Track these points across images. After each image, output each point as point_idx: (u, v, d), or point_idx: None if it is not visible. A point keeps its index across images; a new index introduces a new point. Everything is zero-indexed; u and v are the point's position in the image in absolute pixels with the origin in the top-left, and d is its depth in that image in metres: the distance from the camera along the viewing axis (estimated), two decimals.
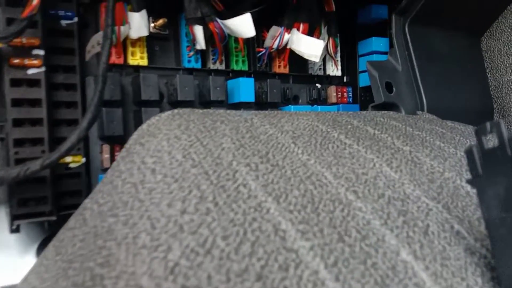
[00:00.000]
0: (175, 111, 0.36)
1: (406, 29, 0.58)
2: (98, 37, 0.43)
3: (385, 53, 0.62)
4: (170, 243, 0.20)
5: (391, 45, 0.61)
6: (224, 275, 0.18)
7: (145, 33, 0.46)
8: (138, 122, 0.47)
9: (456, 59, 0.63)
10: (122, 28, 0.45)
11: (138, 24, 0.45)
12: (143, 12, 0.46)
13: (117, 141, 0.46)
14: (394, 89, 0.56)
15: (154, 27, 0.51)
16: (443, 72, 0.61)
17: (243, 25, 0.49)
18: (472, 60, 0.65)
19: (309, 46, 0.55)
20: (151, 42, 0.51)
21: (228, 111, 0.38)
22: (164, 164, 0.25)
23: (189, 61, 0.52)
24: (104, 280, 0.19)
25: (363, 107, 0.64)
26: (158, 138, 0.29)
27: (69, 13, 0.43)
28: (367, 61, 0.56)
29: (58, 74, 0.43)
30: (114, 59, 0.47)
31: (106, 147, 0.46)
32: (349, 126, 0.38)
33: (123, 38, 0.46)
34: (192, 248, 0.19)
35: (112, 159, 0.46)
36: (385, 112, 0.49)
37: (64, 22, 0.43)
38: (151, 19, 0.50)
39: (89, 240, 0.22)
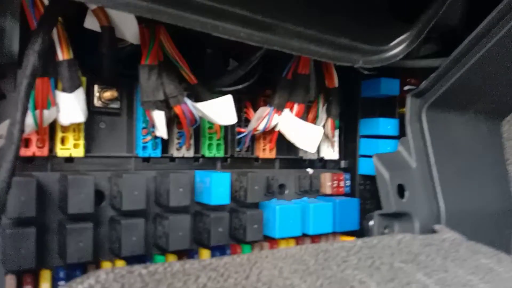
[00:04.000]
0: (101, 279, 0.23)
1: (423, 114, 0.47)
2: (2, 129, 0.29)
3: (393, 137, 0.51)
4: None
5: (401, 129, 0.50)
6: None
7: (80, 119, 0.33)
8: (62, 242, 0.33)
9: (476, 149, 0.52)
10: (46, 112, 0.31)
11: (70, 107, 0.32)
12: (79, 92, 0.32)
13: (29, 270, 0.32)
14: (406, 193, 0.44)
15: (100, 99, 0.37)
16: (462, 167, 0.50)
17: (221, 110, 0.37)
18: (492, 149, 0.54)
19: (305, 134, 0.42)
20: (93, 117, 0.37)
21: (187, 267, 0.25)
22: None
23: (144, 148, 0.39)
24: None
25: (363, 199, 0.52)
26: None
27: None
28: (374, 155, 0.44)
29: None
30: (34, 149, 0.33)
31: (11, 279, 0.32)
32: None
33: (48, 123, 0.32)
34: None
35: None
36: (400, 239, 0.37)
37: None
38: (97, 88, 0.37)
39: None
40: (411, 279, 0.30)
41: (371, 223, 0.45)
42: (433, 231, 0.43)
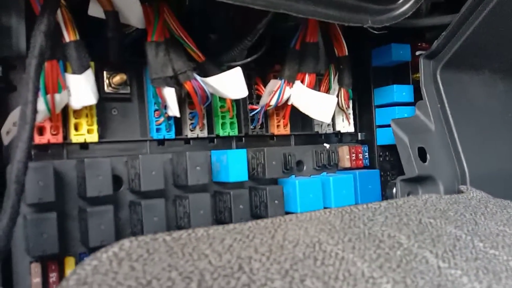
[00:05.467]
0: (125, 246, 0.22)
1: (438, 76, 0.46)
2: (15, 115, 0.29)
3: (409, 104, 0.49)
4: None
5: (416, 94, 0.49)
6: None
7: (92, 101, 0.33)
8: (85, 227, 0.33)
9: (494, 109, 0.51)
10: (57, 96, 0.31)
11: (81, 90, 0.32)
12: (88, 73, 0.32)
13: (53, 256, 0.32)
14: (428, 156, 0.43)
15: (110, 84, 0.37)
16: (483, 128, 0.48)
17: (231, 83, 0.36)
18: (510, 109, 0.53)
19: (318, 105, 0.42)
20: (105, 104, 0.37)
21: (211, 233, 0.25)
22: None
23: (158, 130, 0.38)
24: None
25: (383, 171, 0.51)
26: None
27: None
28: (391, 120, 0.43)
29: None
30: (49, 137, 0.33)
31: (36, 267, 0.32)
32: (399, 253, 0.25)
33: (60, 108, 0.32)
34: None
35: (46, 283, 0.32)
36: (426, 199, 0.36)
37: None
38: (106, 73, 0.37)
39: None
40: (441, 232, 0.29)
41: (394, 190, 0.44)
42: (459, 193, 0.42)
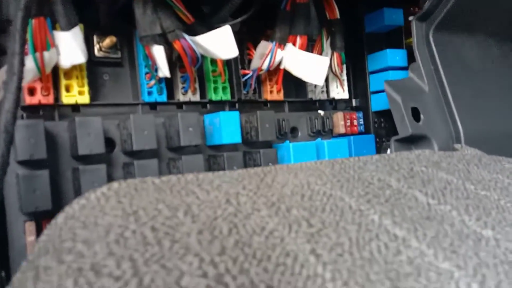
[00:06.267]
0: (113, 187, 0.22)
1: (431, 37, 0.46)
2: (3, 73, 0.29)
3: (403, 68, 0.49)
4: None
5: (410, 59, 0.49)
6: None
7: (81, 59, 0.33)
8: (77, 185, 0.33)
9: (489, 72, 0.51)
10: (46, 54, 0.31)
11: (70, 47, 0.32)
12: (76, 31, 0.32)
13: (47, 215, 0.32)
14: (422, 116, 0.43)
15: (100, 48, 0.37)
16: (477, 90, 0.48)
17: (221, 42, 0.36)
18: (505, 72, 0.53)
19: (311, 66, 0.42)
20: (96, 69, 0.37)
21: (201, 177, 0.25)
22: None
23: (149, 93, 0.38)
24: None
25: (378, 137, 0.51)
26: (60, 271, 0.16)
27: None
28: (385, 82, 0.43)
29: None
30: (40, 97, 0.33)
31: (30, 226, 0.32)
32: (388, 192, 0.25)
33: (50, 68, 0.32)
34: None
35: None
36: (419, 153, 0.36)
37: None
38: (95, 38, 0.37)
39: None
40: (432, 177, 0.29)
41: (388, 151, 0.44)
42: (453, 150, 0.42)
